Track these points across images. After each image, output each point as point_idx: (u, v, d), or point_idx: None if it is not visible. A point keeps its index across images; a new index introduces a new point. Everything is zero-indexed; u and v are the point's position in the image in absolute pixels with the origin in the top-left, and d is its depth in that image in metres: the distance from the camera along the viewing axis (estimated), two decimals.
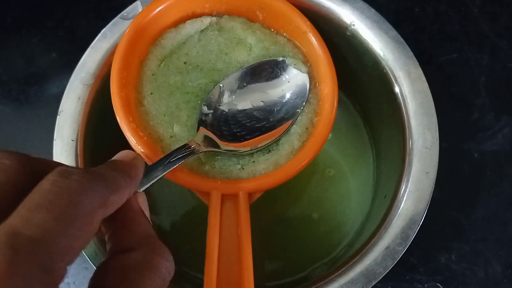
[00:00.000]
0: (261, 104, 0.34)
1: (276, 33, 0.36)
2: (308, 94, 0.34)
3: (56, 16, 0.53)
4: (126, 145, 0.30)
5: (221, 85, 0.34)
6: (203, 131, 0.32)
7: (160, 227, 0.44)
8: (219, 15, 0.37)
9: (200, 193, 0.31)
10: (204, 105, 0.34)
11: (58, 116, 0.35)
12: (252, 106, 0.34)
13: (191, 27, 0.36)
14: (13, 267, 0.15)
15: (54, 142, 0.35)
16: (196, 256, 0.42)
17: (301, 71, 0.35)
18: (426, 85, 0.35)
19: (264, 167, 0.32)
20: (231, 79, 0.35)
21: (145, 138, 0.32)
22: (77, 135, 0.35)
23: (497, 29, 0.50)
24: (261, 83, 0.35)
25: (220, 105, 0.34)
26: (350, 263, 0.32)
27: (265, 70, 0.35)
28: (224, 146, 0.32)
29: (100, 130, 0.38)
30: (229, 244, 0.29)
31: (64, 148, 0.35)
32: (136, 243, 0.20)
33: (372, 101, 0.44)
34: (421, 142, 0.34)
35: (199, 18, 0.36)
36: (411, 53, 0.36)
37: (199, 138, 0.32)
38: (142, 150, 0.31)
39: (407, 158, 0.34)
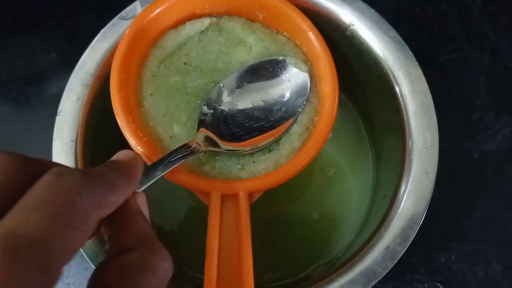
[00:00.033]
0: (262, 103, 0.34)
1: (277, 33, 0.36)
2: (309, 93, 0.34)
3: (56, 16, 0.53)
4: (126, 145, 0.30)
5: (221, 84, 0.34)
6: (203, 131, 0.32)
7: (160, 227, 0.44)
8: (219, 15, 0.37)
9: (200, 193, 0.31)
10: (204, 105, 0.34)
11: (57, 117, 0.35)
12: (252, 106, 0.34)
13: (191, 28, 0.36)
14: (13, 268, 0.15)
15: (54, 143, 0.35)
16: (196, 256, 0.42)
17: (301, 70, 0.34)
18: (425, 85, 0.35)
19: (265, 166, 0.32)
20: (232, 79, 0.35)
21: (145, 138, 0.32)
22: (77, 135, 0.35)
23: (497, 29, 0.50)
24: (261, 82, 0.35)
25: (220, 105, 0.34)
26: (350, 263, 0.32)
27: (265, 70, 0.35)
28: (225, 145, 0.32)
29: (99, 130, 0.38)
30: (229, 244, 0.29)
31: (63, 149, 0.35)
32: (135, 244, 0.20)
33: (372, 101, 0.44)
34: (421, 142, 0.34)
35: (199, 19, 0.36)
36: (411, 53, 0.36)
37: (199, 138, 0.32)
38: (142, 151, 0.31)
39: (407, 158, 0.34)
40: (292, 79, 0.34)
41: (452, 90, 0.48)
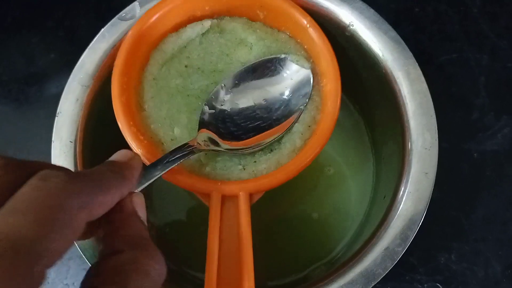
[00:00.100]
0: (263, 102, 0.34)
1: (278, 31, 0.36)
2: (311, 91, 0.34)
3: (56, 16, 0.53)
4: (126, 146, 0.30)
5: (222, 84, 0.34)
6: (204, 130, 0.32)
7: (160, 227, 0.44)
8: (220, 17, 0.36)
9: (200, 194, 0.31)
10: (205, 105, 0.34)
11: (56, 118, 0.35)
12: (254, 104, 0.34)
13: (192, 31, 0.35)
14: None
15: (53, 144, 0.35)
16: (196, 256, 0.42)
17: (303, 67, 0.34)
18: (425, 85, 0.35)
19: (266, 166, 0.32)
20: (233, 78, 0.34)
21: (146, 141, 0.32)
22: (76, 136, 0.35)
23: (497, 29, 0.50)
24: (263, 81, 0.34)
25: (221, 105, 0.34)
26: (350, 263, 0.32)
27: (267, 68, 0.34)
28: (226, 145, 0.32)
29: (99, 131, 0.38)
30: (229, 245, 0.29)
31: (62, 150, 0.35)
32: (127, 245, 0.20)
33: (371, 101, 0.44)
34: (420, 142, 0.34)
35: (200, 21, 0.36)
36: (411, 54, 0.36)
37: (200, 137, 0.31)
38: (143, 154, 0.31)
39: (406, 159, 0.34)
40: (294, 77, 0.34)
41: (451, 90, 0.48)
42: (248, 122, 0.33)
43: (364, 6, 0.37)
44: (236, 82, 0.34)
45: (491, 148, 0.46)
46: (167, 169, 0.28)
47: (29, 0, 0.54)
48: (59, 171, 0.18)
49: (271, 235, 0.43)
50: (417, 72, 0.35)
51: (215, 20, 0.36)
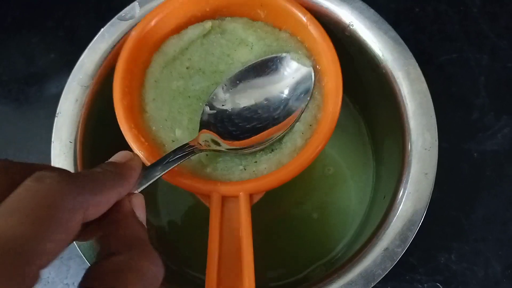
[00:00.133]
0: (265, 101, 0.34)
1: (279, 30, 0.36)
2: (313, 89, 0.33)
3: (56, 16, 0.53)
4: (126, 146, 0.30)
5: (223, 84, 0.34)
6: (205, 131, 0.32)
7: (160, 227, 0.44)
8: (221, 17, 0.36)
9: (200, 195, 0.31)
10: (206, 105, 0.33)
11: (55, 118, 0.35)
12: (255, 104, 0.34)
13: (193, 32, 0.35)
14: None
15: (52, 144, 0.35)
16: (196, 256, 0.42)
17: (305, 65, 0.34)
18: (425, 85, 0.35)
19: (266, 166, 0.32)
20: (234, 78, 0.34)
21: (147, 144, 0.31)
22: (76, 136, 0.35)
23: (497, 29, 0.50)
24: (264, 80, 0.34)
25: (222, 105, 0.34)
26: (349, 264, 0.32)
27: (268, 67, 0.34)
28: (227, 145, 0.32)
29: (99, 131, 0.38)
30: (230, 245, 0.29)
31: (62, 150, 0.35)
32: (122, 247, 0.20)
33: (371, 101, 0.43)
34: (420, 143, 0.34)
35: (201, 23, 0.36)
36: (410, 54, 0.36)
37: (201, 138, 0.31)
38: (145, 156, 0.31)
39: (406, 159, 0.34)
40: (295, 75, 0.34)
41: (451, 90, 0.48)
42: (249, 122, 0.33)
43: (364, 6, 0.37)
44: (237, 82, 0.34)
45: (491, 148, 0.46)
46: (168, 169, 0.28)
47: (29, 0, 0.54)
48: (54, 172, 0.18)
49: (271, 235, 0.43)
50: (417, 72, 0.35)
51: (216, 21, 0.36)
